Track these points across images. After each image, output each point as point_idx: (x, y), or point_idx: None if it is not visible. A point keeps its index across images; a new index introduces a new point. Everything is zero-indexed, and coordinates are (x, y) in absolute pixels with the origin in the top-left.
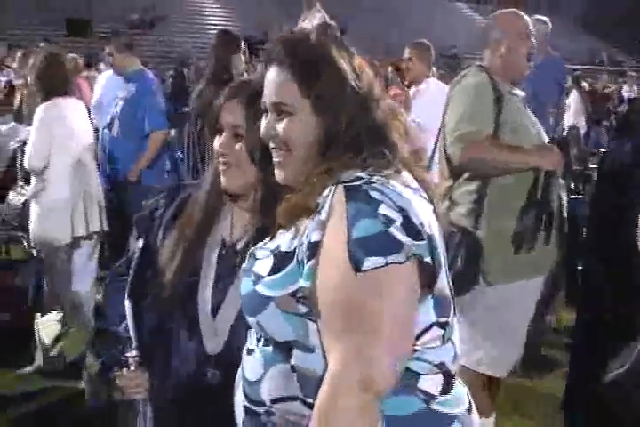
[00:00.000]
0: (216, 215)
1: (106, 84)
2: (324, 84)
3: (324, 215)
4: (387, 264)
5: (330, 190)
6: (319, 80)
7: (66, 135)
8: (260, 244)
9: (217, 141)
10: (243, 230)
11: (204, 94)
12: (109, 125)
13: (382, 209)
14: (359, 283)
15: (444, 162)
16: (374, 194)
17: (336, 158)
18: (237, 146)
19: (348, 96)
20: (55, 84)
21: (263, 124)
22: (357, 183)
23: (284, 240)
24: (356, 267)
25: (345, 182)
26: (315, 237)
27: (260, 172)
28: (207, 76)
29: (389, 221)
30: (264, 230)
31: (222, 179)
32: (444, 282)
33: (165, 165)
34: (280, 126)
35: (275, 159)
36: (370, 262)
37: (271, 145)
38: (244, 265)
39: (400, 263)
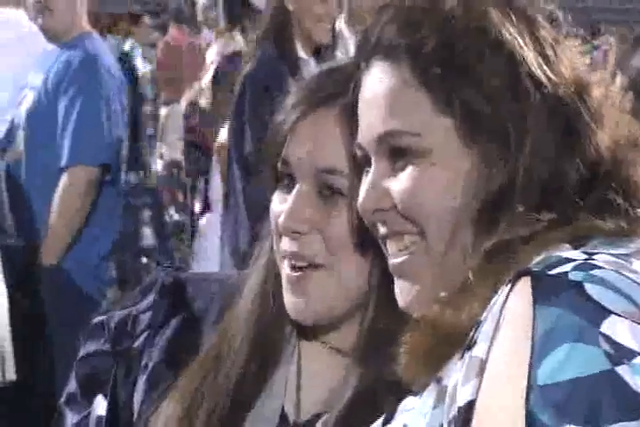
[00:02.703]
0: (270, 365)
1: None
2: (480, 83)
3: (482, 347)
4: None
5: (503, 290)
6: (470, 77)
7: None
8: None
9: (277, 204)
10: (324, 395)
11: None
12: (3, 147)
13: (610, 325)
14: None
15: None
16: (597, 292)
17: (513, 225)
18: (329, 218)
19: (531, 103)
20: None
21: (364, 187)
22: (561, 270)
23: (415, 414)
24: None
25: (535, 271)
26: (468, 392)
27: (377, 275)
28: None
29: (622, 351)
30: (369, 396)
31: (290, 300)
32: None
33: (108, 236)
34: (399, 184)
35: (394, 261)
36: None
37: (382, 231)
38: None
39: None
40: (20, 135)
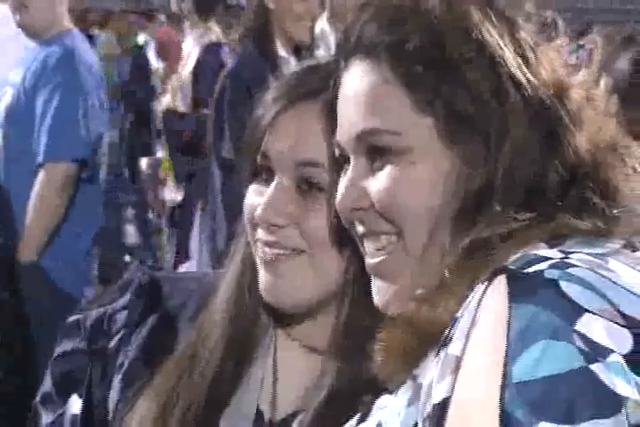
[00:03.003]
0: (245, 363)
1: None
2: (462, 83)
3: (458, 344)
4: None
5: (479, 287)
6: (451, 76)
7: None
8: None
9: (253, 196)
10: (300, 393)
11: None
12: None
13: (585, 323)
14: None
15: None
16: (572, 290)
17: (491, 224)
18: (307, 212)
19: (512, 105)
20: None
21: (342, 185)
22: (537, 268)
23: (390, 412)
24: None
25: (511, 268)
26: (443, 389)
27: (354, 271)
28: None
29: (597, 349)
30: (344, 395)
31: (264, 280)
32: None
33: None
34: (377, 183)
35: (371, 260)
36: None
37: (359, 230)
38: None
39: None
40: None
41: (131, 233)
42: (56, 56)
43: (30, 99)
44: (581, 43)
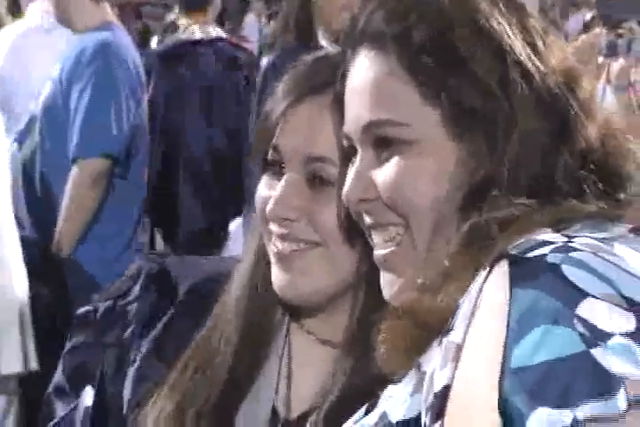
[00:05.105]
0: (260, 356)
1: (20, 46)
2: (469, 75)
3: (459, 332)
4: (578, 424)
5: (481, 274)
6: (458, 68)
7: None
8: (352, 420)
9: (265, 189)
10: (314, 390)
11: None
12: (21, 138)
13: (587, 307)
14: None
15: None
16: (574, 274)
17: (495, 209)
18: (318, 206)
19: (519, 95)
20: None
21: (349, 176)
22: (539, 252)
23: (394, 401)
24: None
25: (512, 253)
26: (444, 377)
27: (366, 264)
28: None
29: (598, 334)
30: (357, 391)
31: (278, 276)
32: None
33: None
34: (384, 174)
35: (379, 252)
36: (536, 421)
37: (367, 221)
38: None
39: (611, 419)
40: (36, 127)
41: None
42: (90, 50)
43: (65, 94)
44: (620, 32)
